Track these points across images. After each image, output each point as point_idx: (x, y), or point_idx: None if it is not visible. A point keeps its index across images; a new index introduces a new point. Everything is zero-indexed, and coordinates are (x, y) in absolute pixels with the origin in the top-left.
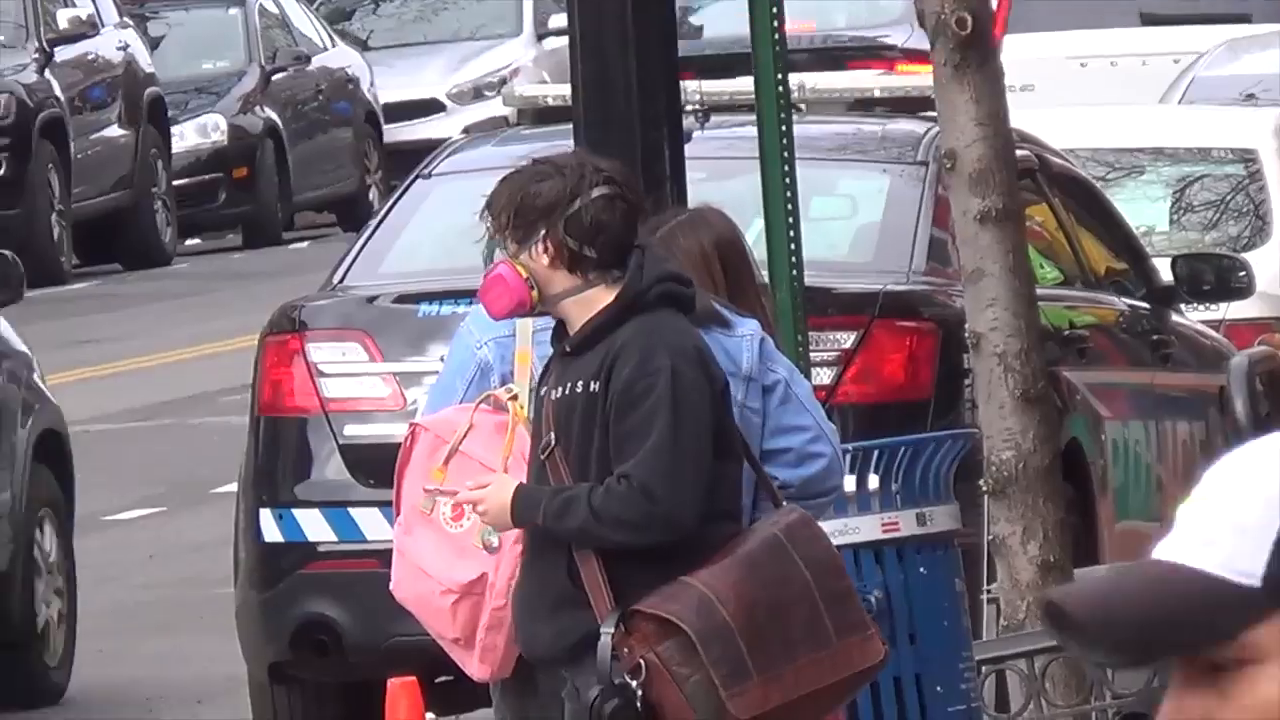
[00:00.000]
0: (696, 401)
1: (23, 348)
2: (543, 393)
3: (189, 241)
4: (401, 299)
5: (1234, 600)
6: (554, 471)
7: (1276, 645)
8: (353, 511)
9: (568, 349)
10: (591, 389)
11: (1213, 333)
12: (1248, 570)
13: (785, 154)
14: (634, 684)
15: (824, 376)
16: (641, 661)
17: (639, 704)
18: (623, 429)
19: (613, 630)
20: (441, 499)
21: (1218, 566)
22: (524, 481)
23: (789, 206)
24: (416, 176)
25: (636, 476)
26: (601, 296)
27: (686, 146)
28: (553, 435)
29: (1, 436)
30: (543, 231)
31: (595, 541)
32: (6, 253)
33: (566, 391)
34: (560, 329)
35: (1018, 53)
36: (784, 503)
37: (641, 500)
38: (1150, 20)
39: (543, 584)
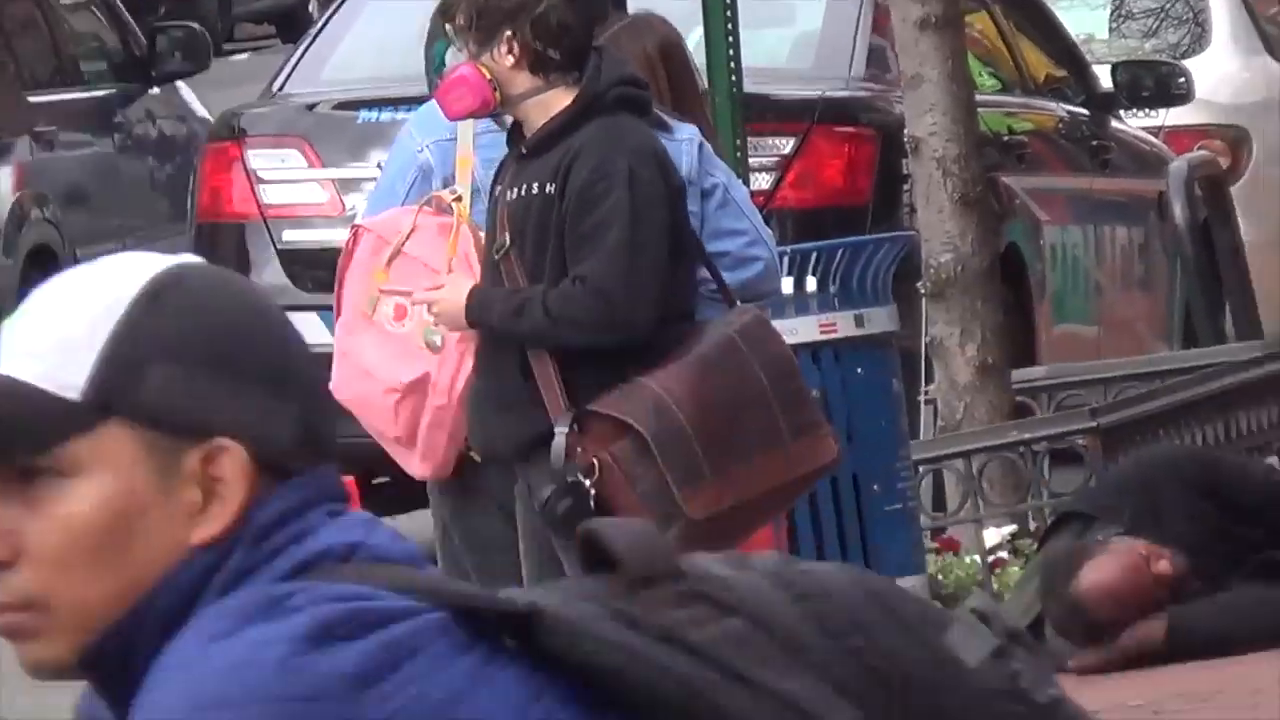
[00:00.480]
0: (654, 203)
1: (205, 114)
2: (497, 193)
3: None
4: (341, 106)
5: (53, 411)
6: (509, 273)
7: (90, 460)
8: (291, 316)
9: (525, 150)
10: (548, 191)
11: (1152, 139)
12: (69, 383)
13: None
14: (587, 483)
15: (763, 182)
16: (595, 461)
17: (592, 503)
18: (579, 231)
19: (567, 430)
20: (385, 299)
21: (37, 378)
22: (478, 283)
23: (728, 14)
24: None
25: (593, 278)
26: (560, 98)
27: None
28: (508, 236)
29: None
30: (507, 33)
31: (551, 343)
32: (195, 25)
33: (523, 193)
34: (516, 130)
35: None
36: (737, 303)
37: (598, 302)
38: None
39: (497, 383)
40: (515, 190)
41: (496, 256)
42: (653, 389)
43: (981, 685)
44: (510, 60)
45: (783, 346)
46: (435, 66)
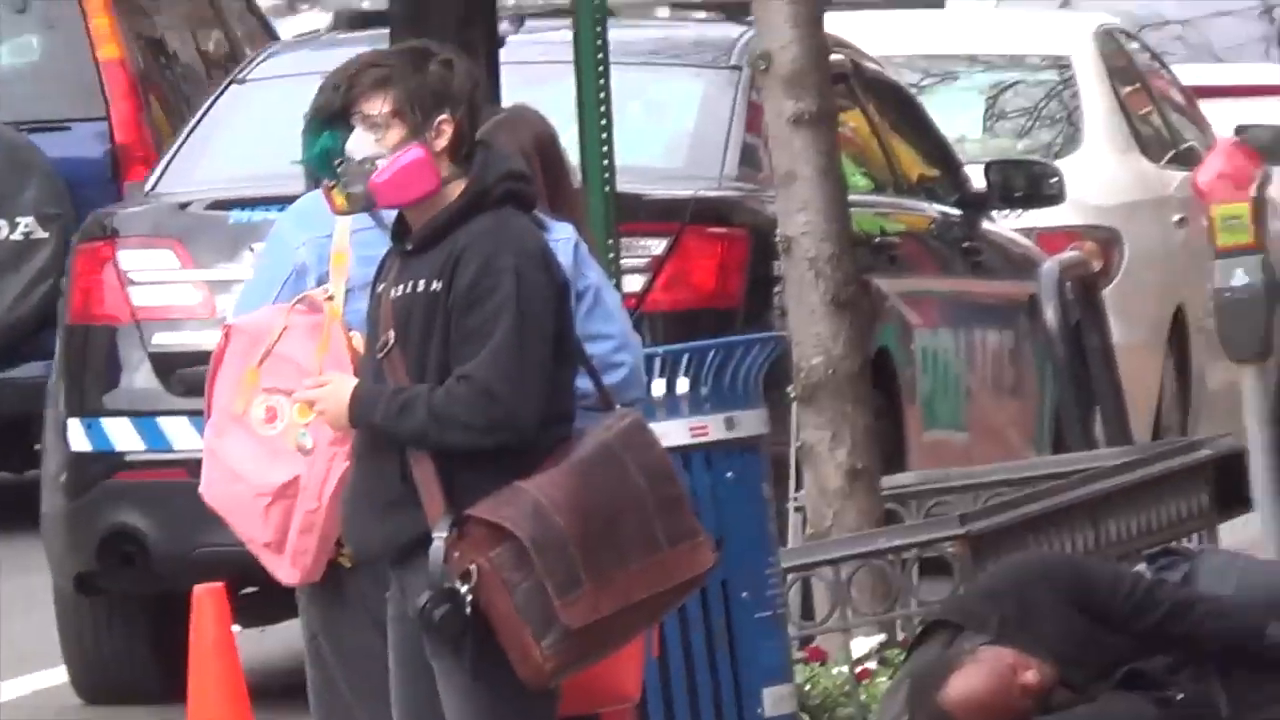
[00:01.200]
0: (539, 303)
1: None
2: (380, 290)
3: None
4: (214, 206)
5: None
6: (392, 371)
7: None
8: (161, 421)
9: (409, 246)
10: (434, 288)
11: (1024, 240)
12: None
13: (600, 58)
14: (464, 589)
15: (635, 283)
16: (472, 567)
17: (468, 610)
18: (464, 330)
19: (445, 534)
20: (257, 401)
21: None
22: (360, 381)
23: (602, 110)
24: (230, 82)
25: (478, 378)
26: (450, 191)
27: (501, 51)
28: (391, 334)
29: None
30: (443, 116)
31: (434, 444)
32: None
33: (407, 290)
34: (400, 224)
35: None
36: (616, 406)
37: (483, 402)
38: None
39: (375, 483)
40: (400, 288)
41: (380, 355)
42: (532, 494)
43: None
44: (441, 145)
45: (661, 452)
46: (316, 157)
